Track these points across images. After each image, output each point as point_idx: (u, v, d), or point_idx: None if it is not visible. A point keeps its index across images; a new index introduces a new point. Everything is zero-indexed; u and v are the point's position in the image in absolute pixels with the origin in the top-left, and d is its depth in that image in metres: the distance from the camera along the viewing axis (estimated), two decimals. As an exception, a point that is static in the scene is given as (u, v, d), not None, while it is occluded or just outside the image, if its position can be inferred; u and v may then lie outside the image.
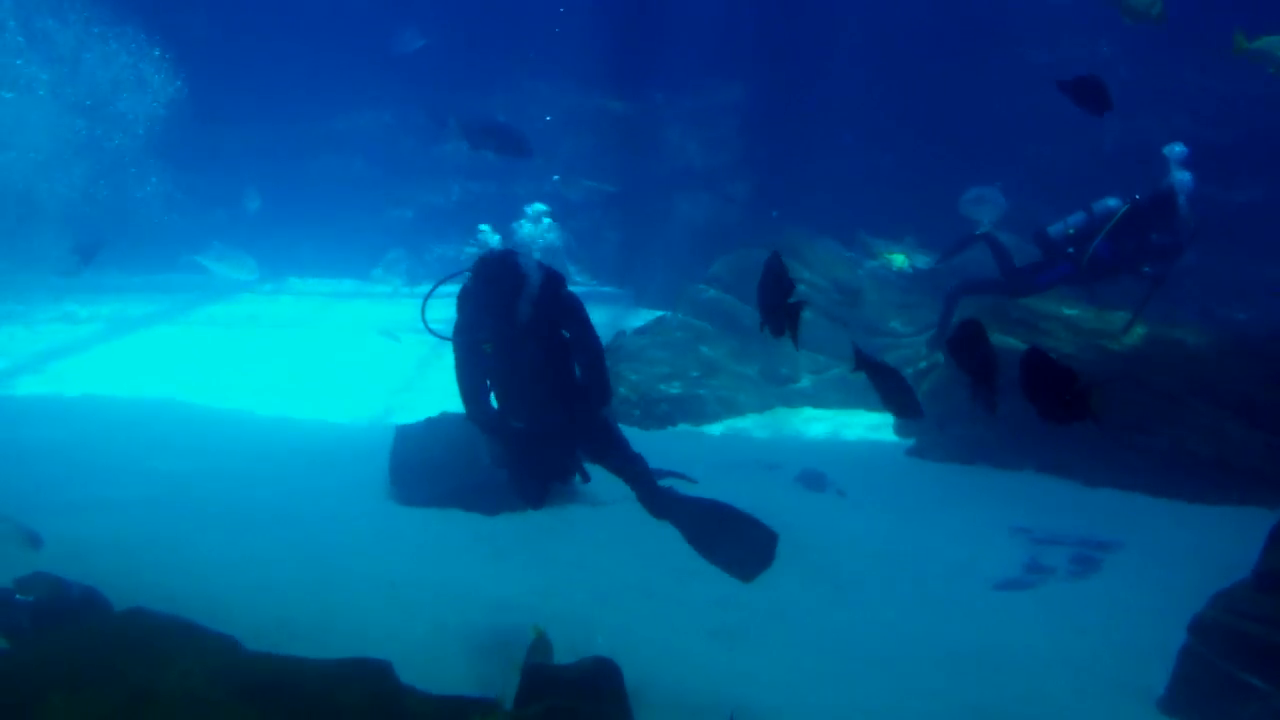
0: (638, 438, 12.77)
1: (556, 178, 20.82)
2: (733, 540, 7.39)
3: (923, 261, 14.62)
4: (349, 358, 16.33)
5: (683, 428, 13.35)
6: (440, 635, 6.67)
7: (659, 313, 16.13)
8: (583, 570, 8.70)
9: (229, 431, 11.44)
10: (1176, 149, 11.61)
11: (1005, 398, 11.70)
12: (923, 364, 13.16)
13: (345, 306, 20.58)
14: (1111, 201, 11.81)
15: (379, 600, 7.20)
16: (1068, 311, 12.11)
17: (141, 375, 15.18)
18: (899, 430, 12.98)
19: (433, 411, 10.83)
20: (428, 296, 7.20)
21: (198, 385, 14.62)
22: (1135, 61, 17.65)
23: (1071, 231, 11.90)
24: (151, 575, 7.42)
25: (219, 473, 10.78)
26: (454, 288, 7.27)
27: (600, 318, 18.46)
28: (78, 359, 16.12)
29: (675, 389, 13.69)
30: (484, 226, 7.33)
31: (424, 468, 10.30)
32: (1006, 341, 11.95)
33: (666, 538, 7.74)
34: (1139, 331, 11.63)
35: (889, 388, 6.25)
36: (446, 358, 7.25)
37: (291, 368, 15.65)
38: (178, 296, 21.27)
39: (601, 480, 7.72)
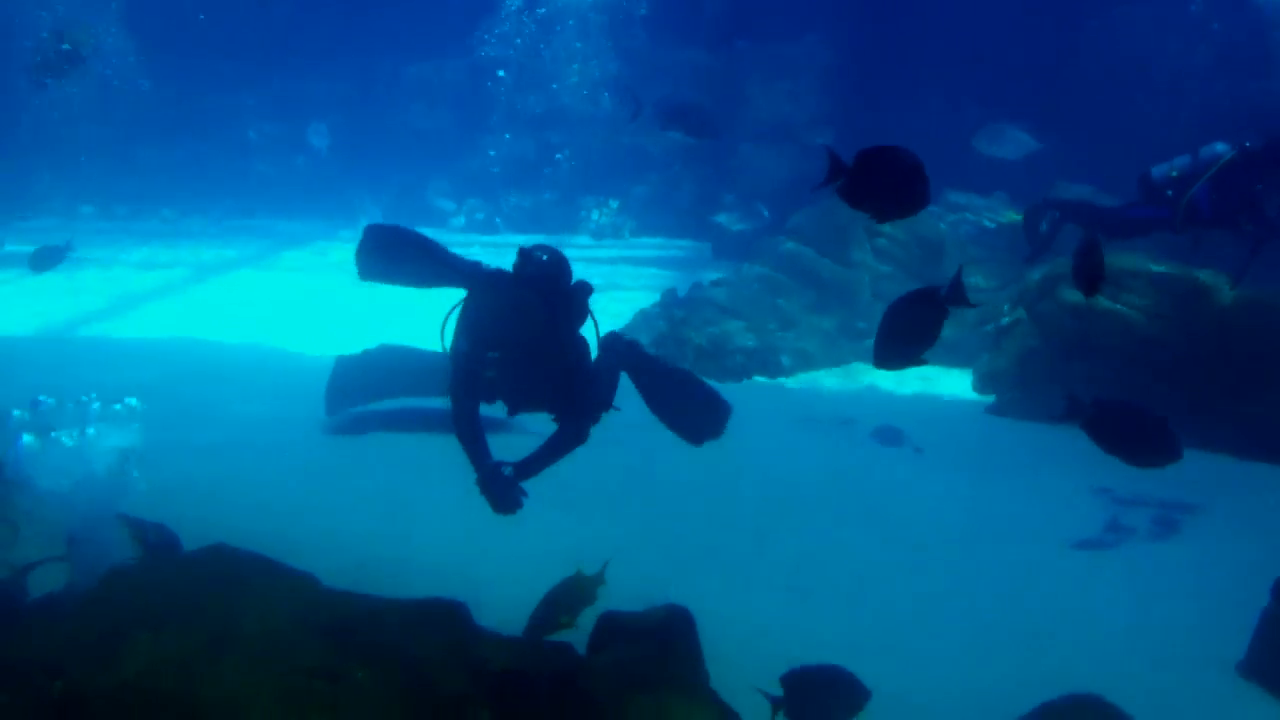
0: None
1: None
2: (690, 409, 7.19)
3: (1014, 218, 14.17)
4: (427, 305, 16.43)
5: (758, 380, 13.28)
6: (516, 584, 6.71)
7: (735, 264, 16.02)
8: (654, 529, 8.70)
9: (311, 378, 11.54)
10: None
11: (1088, 357, 11.63)
12: (1005, 320, 12.97)
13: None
14: (1219, 146, 10.69)
15: (455, 550, 7.25)
16: (1155, 268, 11.80)
17: (226, 319, 15.40)
18: (979, 387, 12.82)
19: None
20: (449, 315, 6.73)
21: (281, 331, 14.79)
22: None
23: (1174, 174, 10.81)
24: (231, 519, 7.55)
25: (301, 419, 10.92)
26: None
27: (676, 270, 18.53)
28: (163, 303, 16.39)
29: (750, 341, 13.62)
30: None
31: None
32: (1097, 300, 11.74)
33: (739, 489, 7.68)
34: (1229, 293, 11.28)
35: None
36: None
37: (375, 315, 15.77)
38: (260, 242, 21.55)
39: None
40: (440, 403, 6.97)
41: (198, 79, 23.86)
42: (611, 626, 5.11)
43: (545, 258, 6.43)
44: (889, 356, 5.44)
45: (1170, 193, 10.70)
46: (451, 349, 6.45)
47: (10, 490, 7.71)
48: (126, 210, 24.02)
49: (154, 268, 19.09)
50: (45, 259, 11.43)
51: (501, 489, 6.23)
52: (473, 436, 6.46)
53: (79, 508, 7.22)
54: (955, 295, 5.34)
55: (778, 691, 5.00)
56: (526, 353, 6.29)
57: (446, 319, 6.72)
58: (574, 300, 6.55)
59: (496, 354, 6.31)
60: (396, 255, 7.38)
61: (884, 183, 5.06)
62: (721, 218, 19.99)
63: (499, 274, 6.50)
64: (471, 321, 6.40)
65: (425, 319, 14.89)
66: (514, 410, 6.68)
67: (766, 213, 18.92)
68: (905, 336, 5.46)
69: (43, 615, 4.62)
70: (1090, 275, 5.79)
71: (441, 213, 23.89)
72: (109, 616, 4.22)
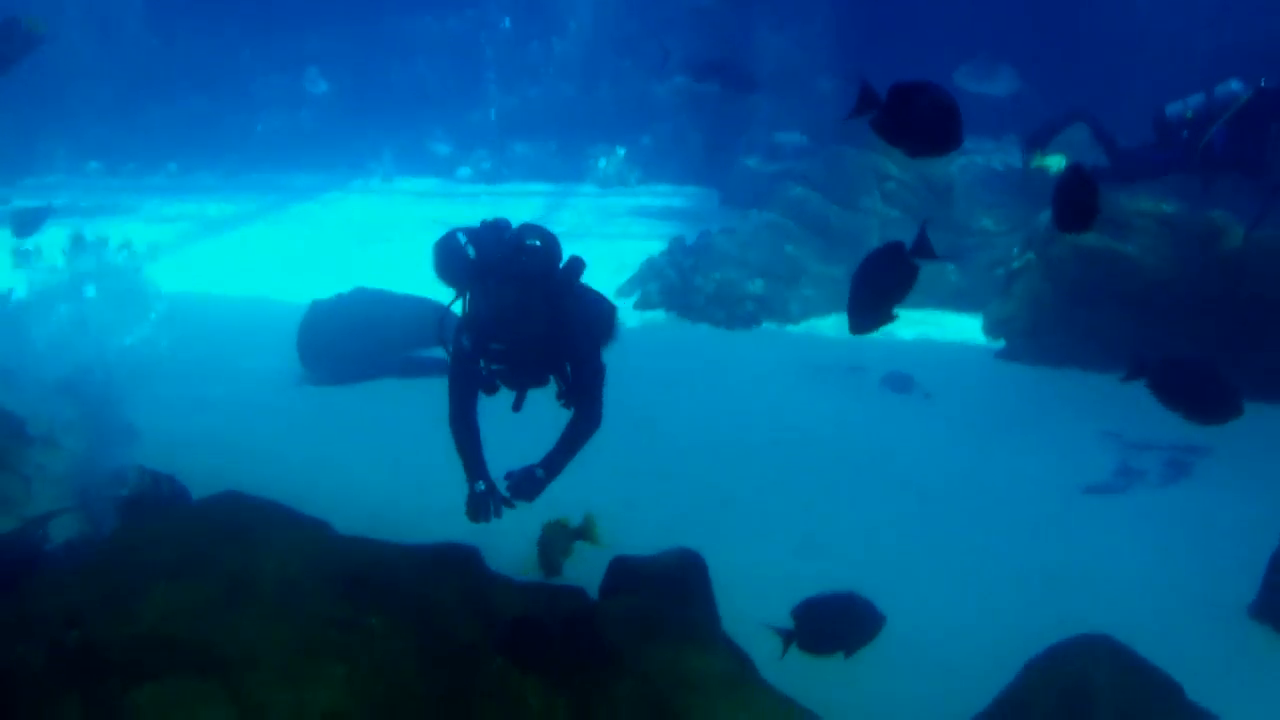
0: (721, 338, 12.87)
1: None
2: None
3: (1056, 161, 13.73)
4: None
5: (767, 327, 13.27)
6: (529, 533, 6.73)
7: (743, 211, 15.94)
8: (665, 479, 8.72)
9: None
10: None
11: (1098, 301, 11.57)
12: (1015, 264, 12.90)
13: (430, 205, 20.62)
14: (1235, 84, 10.33)
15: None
16: (1166, 209, 11.71)
17: (232, 274, 15.40)
18: (989, 332, 12.78)
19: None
20: (446, 308, 6.34)
21: (288, 284, 14.78)
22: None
23: (1189, 115, 10.45)
24: (242, 472, 7.57)
25: (309, 372, 10.94)
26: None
27: (684, 218, 18.45)
28: (171, 258, 16.36)
29: (759, 289, 13.59)
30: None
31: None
32: (1102, 242, 11.70)
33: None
34: (1241, 235, 11.19)
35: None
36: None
37: (381, 268, 15.75)
38: (265, 197, 21.49)
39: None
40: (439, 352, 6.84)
41: (201, 35, 23.74)
42: (624, 571, 5.14)
43: (538, 243, 6.15)
44: (863, 322, 5.31)
45: (1186, 133, 10.47)
46: (453, 347, 6.19)
47: (24, 445, 7.76)
48: (133, 166, 23.94)
49: (161, 222, 19.05)
50: (28, 223, 11.00)
51: (485, 510, 5.96)
52: (468, 443, 6.20)
53: (92, 461, 7.28)
54: (921, 250, 5.21)
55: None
56: (530, 342, 6.11)
57: (444, 315, 6.46)
58: (570, 281, 6.33)
59: (501, 345, 6.11)
60: None
61: (917, 119, 4.94)
62: (752, 161, 19.78)
63: (492, 267, 6.08)
64: (471, 317, 6.12)
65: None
66: (520, 402, 6.43)
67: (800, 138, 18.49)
68: (876, 297, 5.29)
69: (59, 566, 4.65)
70: (1076, 210, 5.55)
71: (437, 158, 23.80)
72: (125, 566, 4.25)
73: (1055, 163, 12.39)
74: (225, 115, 24.42)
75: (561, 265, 6.28)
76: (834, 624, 5.12)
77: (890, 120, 4.90)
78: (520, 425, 6.27)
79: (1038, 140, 11.78)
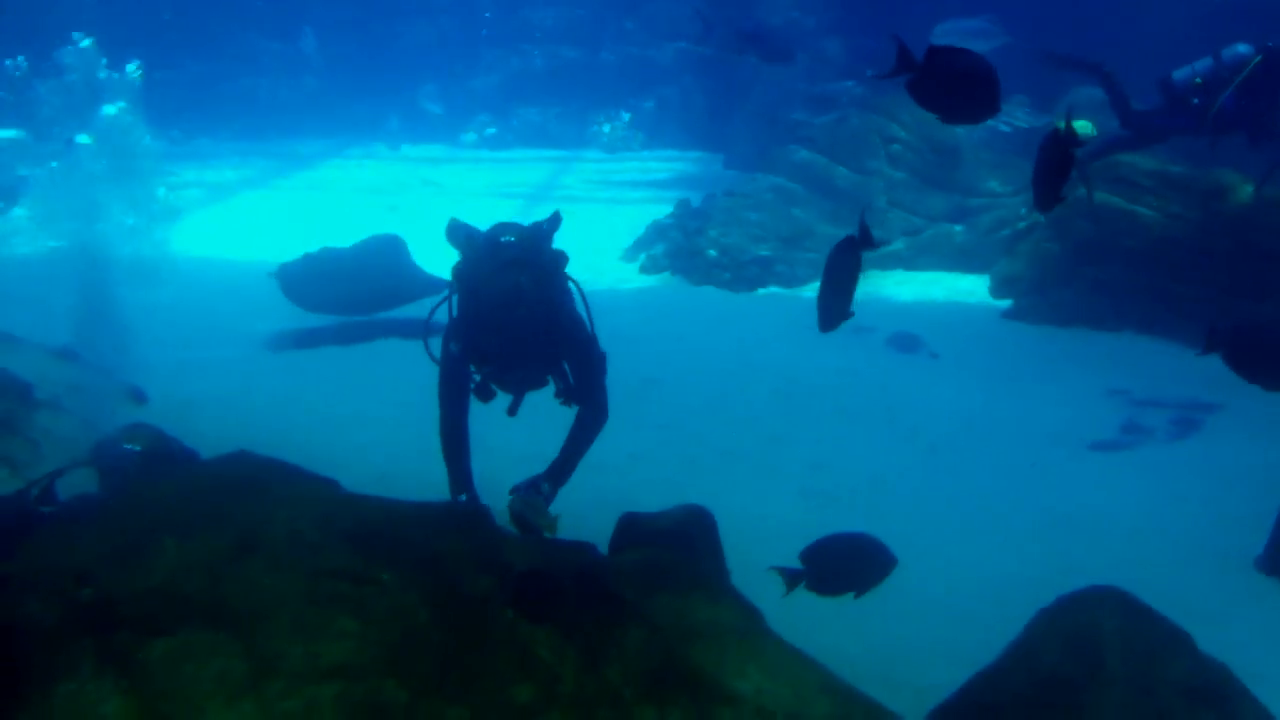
0: (727, 300, 12.85)
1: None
2: None
3: (1085, 127, 13.31)
4: (434, 223, 16.36)
5: (773, 289, 13.25)
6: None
7: (749, 175, 15.90)
8: (670, 434, 8.74)
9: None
10: None
11: (1105, 259, 11.55)
12: (1021, 224, 12.88)
13: (437, 171, 20.57)
14: (1242, 48, 10.09)
15: (475, 461, 7.31)
16: (1174, 170, 11.68)
17: (236, 239, 15.38)
18: (995, 292, 12.77)
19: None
20: (432, 311, 6.11)
21: (292, 249, 14.73)
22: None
23: (1198, 81, 10.22)
24: (249, 433, 7.58)
25: (314, 335, 10.95)
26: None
27: (689, 181, 18.41)
28: (175, 224, 16.34)
29: (765, 251, 13.56)
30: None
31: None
32: (1110, 201, 11.66)
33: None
34: (1248, 192, 11.14)
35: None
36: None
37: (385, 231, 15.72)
38: (270, 162, 21.45)
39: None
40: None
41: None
42: (632, 527, 5.15)
43: (516, 239, 5.89)
44: (832, 318, 5.32)
45: (1196, 100, 10.37)
46: (441, 351, 5.97)
47: (31, 409, 7.78)
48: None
49: (165, 189, 18.99)
50: (5, 195, 11.10)
51: None
52: (456, 455, 6.02)
53: (99, 424, 7.30)
54: (865, 241, 5.18)
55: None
56: (525, 335, 5.83)
57: (429, 317, 6.13)
58: (556, 273, 6.08)
59: (494, 343, 5.85)
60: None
61: (954, 84, 4.89)
62: (732, 127, 19.69)
63: (477, 264, 5.90)
64: (459, 319, 5.92)
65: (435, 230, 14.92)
66: (517, 406, 6.21)
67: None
68: (841, 295, 5.25)
69: (69, 523, 4.66)
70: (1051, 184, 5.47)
71: (430, 116, 23.74)
72: (136, 523, 4.25)
73: (1083, 127, 12.27)
74: (226, 81, 24.29)
75: (549, 257, 6.04)
76: (844, 564, 5.13)
77: (928, 84, 4.87)
78: (518, 426, 6.20)
79: (1058, 61, 11.47)
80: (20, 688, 3.43)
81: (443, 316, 6.00)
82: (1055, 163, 5.17)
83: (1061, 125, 5.13)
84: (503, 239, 5.83)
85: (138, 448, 5.72)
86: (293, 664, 3.57)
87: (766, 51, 12.50)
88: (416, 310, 11.01)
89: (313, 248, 11.49)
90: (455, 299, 5.95)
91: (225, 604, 3.79)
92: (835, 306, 5.22)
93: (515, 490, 5.85)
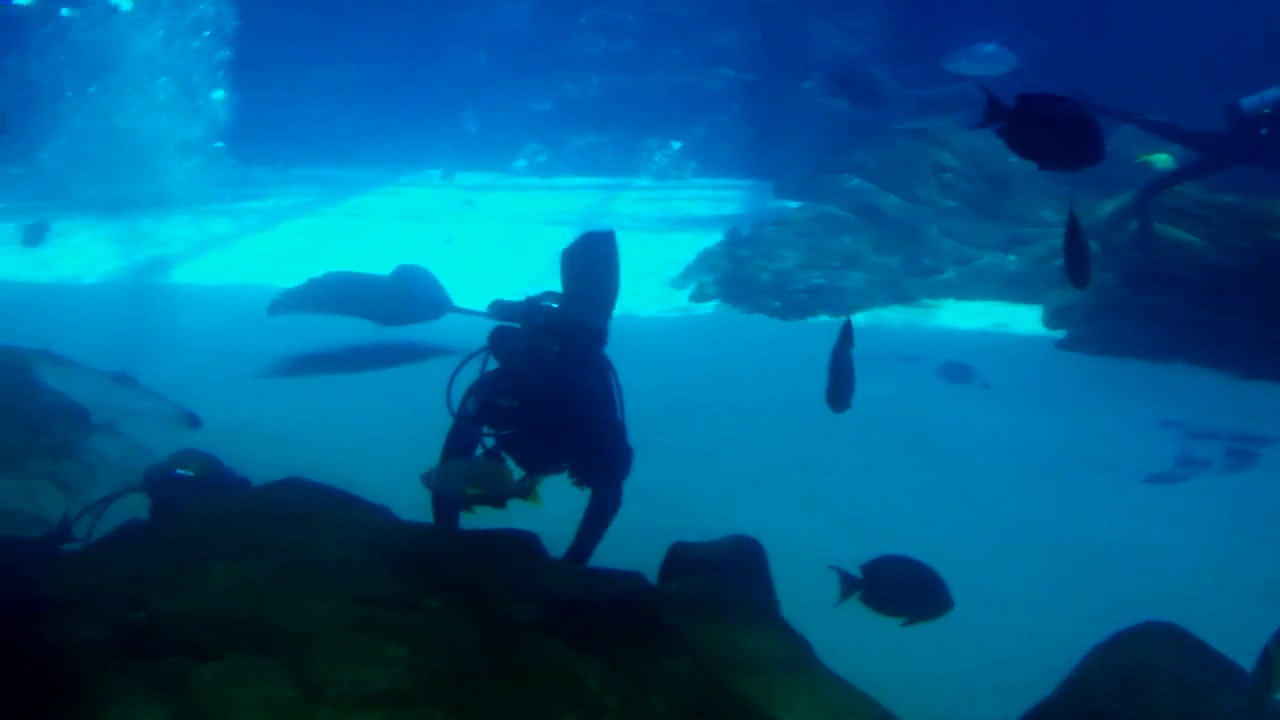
0: (777, 328, 12.82)
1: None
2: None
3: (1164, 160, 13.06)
4: (493, 250, 16.47)
5: (822, 319, 13.20)
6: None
7: (798, 203, 15.89)
8: (716, 463, 8.71)
9: (369, 324, 11.66)
10: None
11: (1159, 289, 11.44)
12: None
13: (487, 198, 20.71)
14: None
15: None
16: (1227, 199, 11.56)
17: (287, 265, 15.51)
18: (1049, 322, 12.66)
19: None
20: (455, 373, 5.97)
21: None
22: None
23: (1267, 111, 10.28)
24: (302, 458, 7.64)
25: (362, 360, 11.07)
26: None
27: (739, 209, 18.43)
28: (230, 249, 16.56)
29: (815, 279, 13.53)
30: None
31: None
32: (1164, 231, 11.57)
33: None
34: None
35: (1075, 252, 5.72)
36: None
37: (439, 259, 15.83)
38: (323, 189, 21.67)
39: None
40: None
41: (256, 27, 23.88)
42: (681, 556, 5.13)
43: (556, 305, 5.99)
44: (843, 401, 5.80)
45: (1265, 131, 10.28)
46: (459, 405, 5.89)
47: (86, 433, 7.89)
48: (191, 162, 24.18)
49: (221, 215, 19.25)
50: (35, 235, 11.51)
51: None
52: (445, 514, 5.90)
53: (153, 449, 7.39)
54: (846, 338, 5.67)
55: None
56: (537, 404, 5.72)
57: (453, 376, 6.00)
58: (589, 347, 6.05)
59: (511, 403, 5.74)
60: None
61: (1052, 132, 4.91)
62: (781, 155, 19.65)
63: (510, 327, 5.89)
64: (483, 377, 5.88)
65: (493, 257, 15.00)
66: (529, 483, 5.80)
67: (828, 149, 18.43)
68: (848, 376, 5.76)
69: (119, 547, 4.71)
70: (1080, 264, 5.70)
71: (468, 135, 23.93)
72: (186, 548, 4.29)
73: (1161, 160, 12.24)
74: (279, 108, 24.55)
75: (584, 330, 6.04)
76: (904, 587, 5.08)
77: (1024, 132, 4.87)
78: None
79: (1118, 115, 11.47)
80: (72, 712, 3.46)
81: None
82: (1079, 245, 5.53)
83: (1156, 159, 5.30)
84: (543, 303, 5.90)
85: (189, 473, 5.77)
86: (340, 690, 3.57)
87: (858, 95, 12.38)
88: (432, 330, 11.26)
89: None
90: (488, 358, 5.93)
91: (274, 629, 3.81)
92: (847, 390, 5.78)
93: None
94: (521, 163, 23.70)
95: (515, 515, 5.41)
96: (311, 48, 25.00)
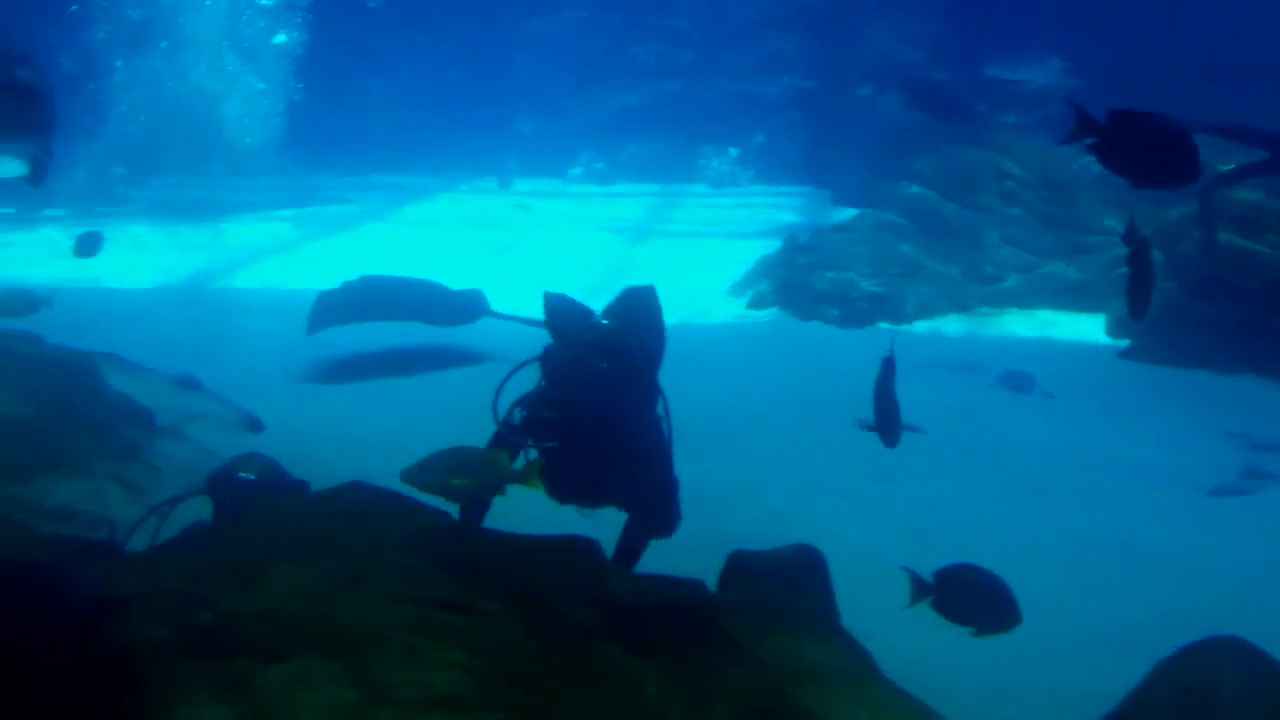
0: (835, 336, 12.75)
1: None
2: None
3: None
4: (550, 258, 16.51)
5: (881, 326, 13.13)
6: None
7: (857, 211, 15.81)
8: (776, 469, 8.68)
9: (429, 328, 11.72)
10: None
11: (1225, 299, 11.28)
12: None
13: (543, 205, 20.79)
14: None
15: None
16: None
17: (348, 271, 15.63)
18: (1112, 331, 12.51)
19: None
20: (502, 384, 5.79)
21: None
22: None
23: None
24: (364, 462, 7.70)
25: (423, 363, 11.14)
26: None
27: (797, 216, 18.38)
28: (291, 256, 16.73)
29: (874, 287, 13.45)
30: None
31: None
32: (1230, 240, 11.40)
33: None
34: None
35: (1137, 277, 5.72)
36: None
37: (497, 265, 15.92)
38: (383, 196, 21.85)
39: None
40: None
41: (320, 35, 24.15)
42: (742, 564, 5.11)
43: (605, 321, 5.73)
44: (894, 435, 5.82)
45: None
46: (503, 419, 5.73)
47: (153, 436, 8.00)
48: (253, 167, 24.46)
49: (282, 222, 19.48)
50: (89, 246, 11.62)
51: None
52: (471, 515, 5.78)
53: (217, 452, 7.47)
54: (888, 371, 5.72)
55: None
56: (578, 418, 5.55)
57: (502, 384, 5.83)
58: (641, 372, 5.81)
59: (555, 415, 5.58)
60: None
61: (1146, 148, 4.86)
62: (839, 162, 19.53)
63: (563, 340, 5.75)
64: (535, 389, 5.70)
65: (553, 278, 15.08)
66: (564, 495, 5.74)
67: (887, 156, 18.40)
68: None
69: (186, 549, 4.77)
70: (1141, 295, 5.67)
71: (521, 136, 24.04)
72: (250, 550, 4.33)
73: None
74: (340, 116, 24.77)
75: (639, 352, 5.83)
76: (976, 597, 5.02)
77: (1117, 149, 4.82)
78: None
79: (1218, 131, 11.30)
80: (141, 711, 3.50)
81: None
82: (1143, 274, 5.58)
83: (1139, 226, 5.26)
84: (598, 317, 5.76)
85: (251, 476, 5.82)
86: (402, 693, 3.59)
87: (940, 108, 12.21)
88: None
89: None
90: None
91: (337, 631, 3.83)
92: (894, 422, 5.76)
93: None
94: (578, 170, 23.77)
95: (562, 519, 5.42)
96: (373, 57, 25.21)
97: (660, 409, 5.88)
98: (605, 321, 5.78)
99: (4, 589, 3.55)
